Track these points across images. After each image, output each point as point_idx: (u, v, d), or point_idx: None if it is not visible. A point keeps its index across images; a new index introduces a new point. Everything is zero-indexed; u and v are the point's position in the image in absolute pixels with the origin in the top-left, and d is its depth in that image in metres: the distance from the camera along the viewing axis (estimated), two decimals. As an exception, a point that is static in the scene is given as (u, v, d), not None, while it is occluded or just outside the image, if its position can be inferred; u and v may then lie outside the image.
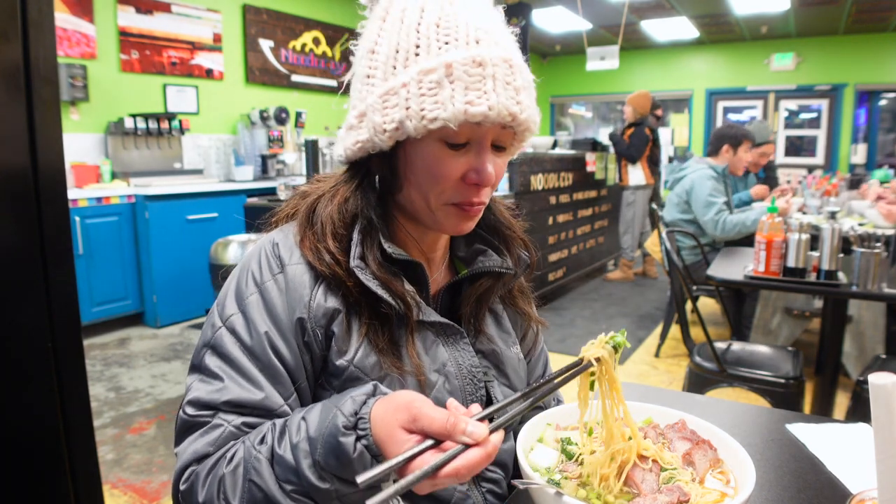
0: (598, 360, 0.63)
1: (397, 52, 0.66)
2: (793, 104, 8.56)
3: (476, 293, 0.79)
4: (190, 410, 0.67)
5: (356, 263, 0.68)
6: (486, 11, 0.68)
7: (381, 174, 0.73)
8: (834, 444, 0.90)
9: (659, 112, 5.84)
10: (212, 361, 0.68)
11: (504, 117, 0.64)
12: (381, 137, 0.66)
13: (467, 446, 0.52)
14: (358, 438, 0.58)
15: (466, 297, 0.79)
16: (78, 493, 1.06)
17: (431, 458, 0.51)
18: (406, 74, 0.65)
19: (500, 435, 0.54)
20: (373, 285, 0.68)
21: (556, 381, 0.61)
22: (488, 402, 0.77)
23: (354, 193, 0.72)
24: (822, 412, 2.22)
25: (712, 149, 3.58)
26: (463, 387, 0.74)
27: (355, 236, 0.70)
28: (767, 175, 4.55)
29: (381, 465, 0.51)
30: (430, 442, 0.53)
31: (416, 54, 0.65)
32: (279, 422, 0.65)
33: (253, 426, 0.66)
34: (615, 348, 0.64)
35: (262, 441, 0.63)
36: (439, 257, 0.81)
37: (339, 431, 0.58)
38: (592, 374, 0.64)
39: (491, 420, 0.56)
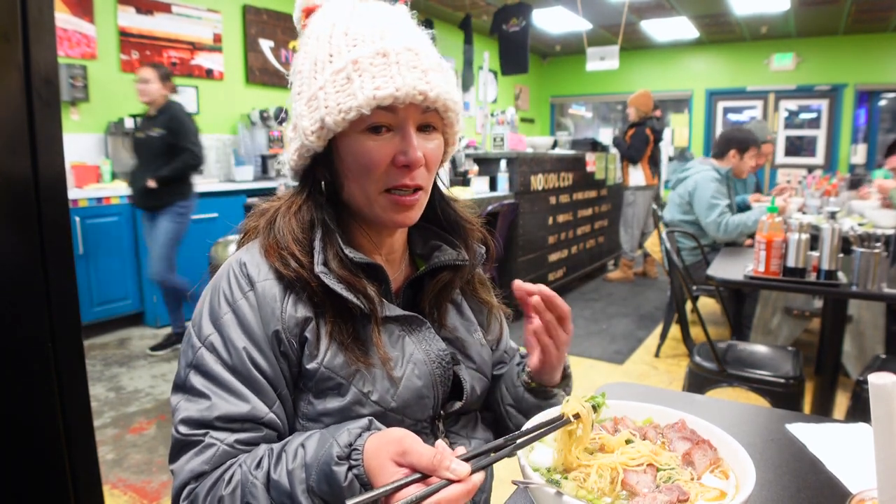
0: (576, 416, 0.67)
1: (315, 63, 0.73)
2: (793, 104, 8.55)
3: (436, 288, 0.83)
4: (183, 429, 0.70)
5: (321, 269, 0.72)
6: (389, 12, 0.75)
7: (324, 179, 0.78)
8: (834, 444, 0.90)
9: (658, 113, 5.84)
10: (196, 381, 0.71)
11: (414, 96, 0.69)
12: (311, 139, 0.72)
13: (450, 482, 0.56)
14: (350, 468, 0.62)
15: (428, 292, 0.83)
16: (78, 493, 1.06)
17: (416, 491, 0.56)
18: (322, 78, 0.71)
19: (480, 475, 0.58)
20: (339, 289, 0.71)
21: (536, 433, 0.66)
22: (456, 384, 0.82)
23: (307, 201, 0.77)
24: (822, 412, 2.22)
25: (718, 151, 3.54)
26: (432, 371, 0.78)
27: (317, 243, 0.74)
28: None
29: (370, 493, 0.55)
30: (416, 475, 0.58)
31: (330, 62, 0.71)
32: (276, 447, 0.68)
33: (244, 443, 0.70)
34: (595, 408, 0.69)
35: (258, 465, 0.66)
36: (398, 257, 0.85)
37: (332, 460, 0.63)
38: (570, 430, 0.68)
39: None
